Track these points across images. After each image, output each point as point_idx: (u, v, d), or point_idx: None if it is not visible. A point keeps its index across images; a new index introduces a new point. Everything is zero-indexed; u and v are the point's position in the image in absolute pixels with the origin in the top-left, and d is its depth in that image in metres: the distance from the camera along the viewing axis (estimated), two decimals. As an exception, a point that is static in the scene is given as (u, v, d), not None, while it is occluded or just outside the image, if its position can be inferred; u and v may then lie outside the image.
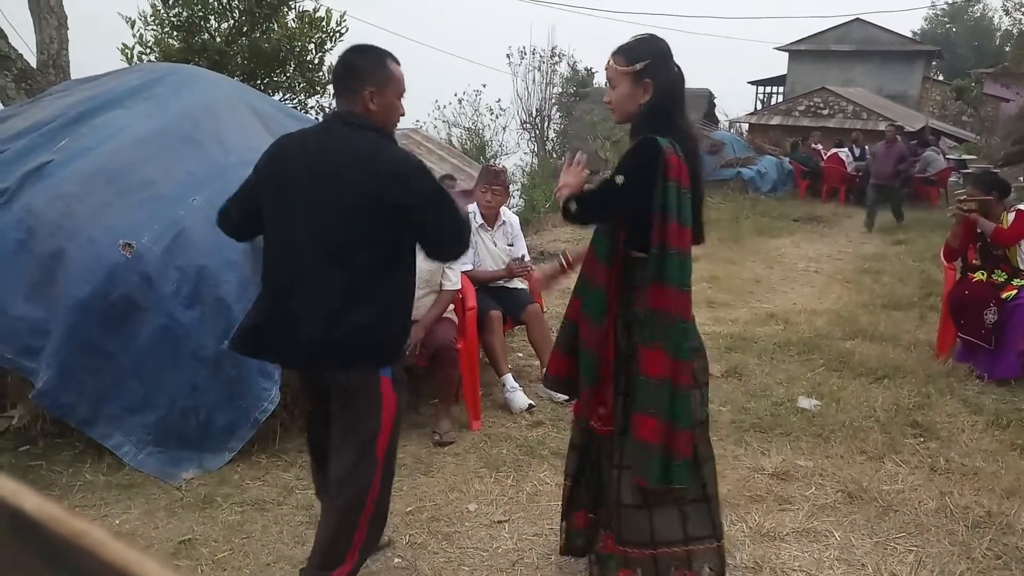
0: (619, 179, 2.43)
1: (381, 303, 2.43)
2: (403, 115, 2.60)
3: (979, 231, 5.15)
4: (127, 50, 9.71)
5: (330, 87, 10.75)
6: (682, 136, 2.47)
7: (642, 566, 2.50)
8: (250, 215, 2.60)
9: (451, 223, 2.52)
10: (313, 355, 2.48)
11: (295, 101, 10.72)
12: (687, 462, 2.41)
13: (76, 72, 8.14)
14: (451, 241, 2.56)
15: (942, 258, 5.65)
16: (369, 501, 2.53)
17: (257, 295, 2.72)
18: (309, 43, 10.53)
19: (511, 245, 4.92)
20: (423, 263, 4.09)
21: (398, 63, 2.56)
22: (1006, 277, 5.07)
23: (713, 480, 2.62)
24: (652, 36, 2.55)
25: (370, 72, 2.48)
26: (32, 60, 8.21)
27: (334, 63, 2.67)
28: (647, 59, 2.47)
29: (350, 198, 2.38)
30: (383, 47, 2.56)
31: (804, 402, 4.60)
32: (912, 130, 19.10)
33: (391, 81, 2.50)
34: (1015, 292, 4.95)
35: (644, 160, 2.40)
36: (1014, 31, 28.84)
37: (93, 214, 3.84)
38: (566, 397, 3.53)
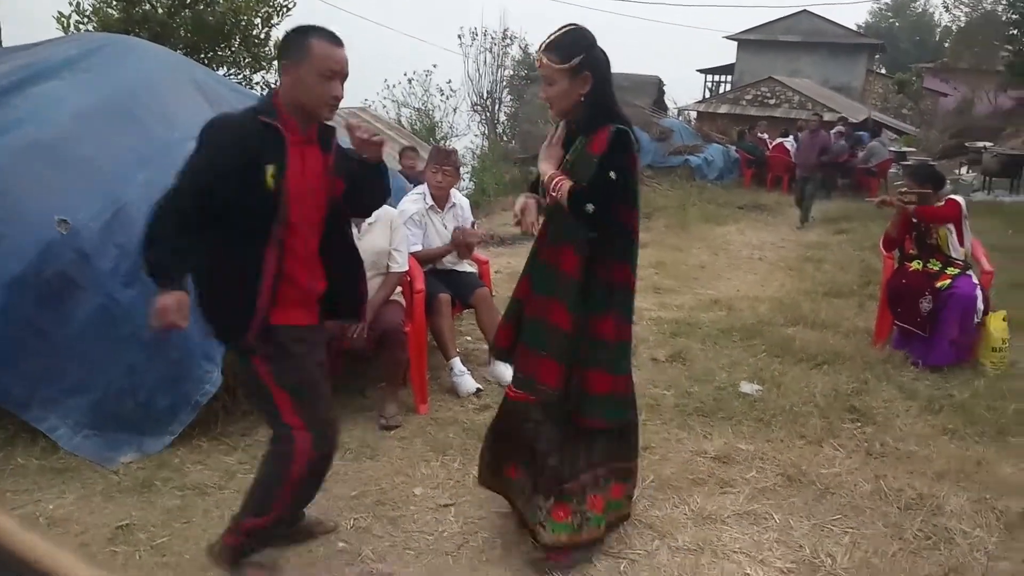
0: (612, 175, 2.52)
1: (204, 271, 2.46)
2: (333, 98, 2.48)
3: (914, 220, 5.29)
4: (63, 19, 9.38)
5: (275, 63, 10.56)
6: (624, 121, 2.59)
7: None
8: None
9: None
10: None
11: (240, 76, 10.49)
12: (627, 399, 2.89)
13: (8, 41, 7.83)
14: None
15: (881, 247, 5.79)
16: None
17: None
18: (255, 17, 10.32)
19: (457, 227, 4.88)
20: (369, 245, 4.09)
21: (331, 42, 2.45)
22: (940, 266, 5.21)
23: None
24: (577, 27, 2.61)
25: (288, 45, 2.45)
26: (-38, 27, 7.87)
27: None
28: (582, 53, 2.52)
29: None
30: (325, 26, 2.49)
31: (746, 387, 4.69)
32: (855, 121, 19.53)
33: (307, 55, 2.40)
34: (949, 281, 5.10)
35: (630, 154, 2.57)
36: (953, 27, 29.64)
37: (26, 190, 3.71)
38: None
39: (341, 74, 2.48)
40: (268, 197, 2.39)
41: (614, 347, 2.73)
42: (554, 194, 2.62)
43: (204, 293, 2.50)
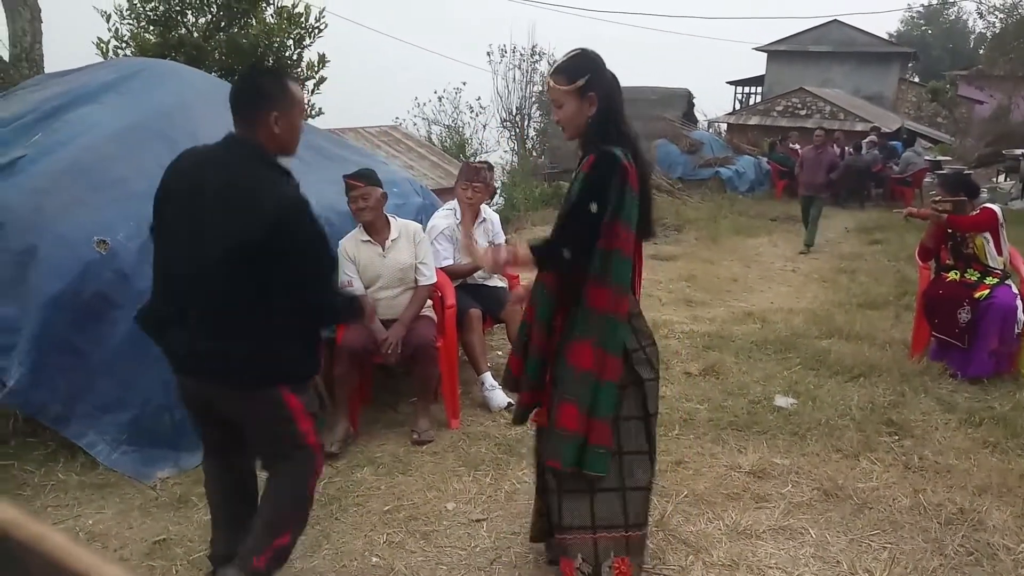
0: (593, 207, 2.46)
1: (260, 331, 2.45)
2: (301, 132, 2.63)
3: (949, 230, 5.21)
4: (102, 44, 9.58)
5: (308, 83, 10.71)
6: (629, 141, 2.57)
7: (582, 550, 2.60)
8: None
9: (314, 273, 2.51)
10: (203, 369, 2.53)
11: (273, 97, 10.63)
12: (606, 450, 2.51)
13: (50, 66, 8.05)
14: (312, 289, 2.52)
15: (917, 258, 5.71)
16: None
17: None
18: (288, 39, 10.44)
19: (491, 242, 4.91)
20: (394, 261, 4.12)
21: (297, 83, 2.60)
22: (978, 276, 5.13)
23: (637, 473, 2.66)
24: (584, 50, 2.63)
25: (275, 96, 2.48)
26: (4, 54, 8.10)
27: (237, 82, 2.64)
28: (587, 74, 2.54)
29: (231, 230, 2.37)
30: (283, 70, 2.55)
31: (781, 400, 4.64)
32: (888, 130, 19.30)
33: (293, 103, 2.51)
34: (988, 291, 5.01)
35: (608, 179, 2.47)
36: (988, 34, 29.21)
37: (66, 210, 3.79)
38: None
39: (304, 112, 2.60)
40: None
41: (587, 380, 2.48)
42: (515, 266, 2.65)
43: (279, 345, 2.49)
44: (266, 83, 2.53)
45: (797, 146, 17.97)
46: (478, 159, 17.16)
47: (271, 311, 2.43)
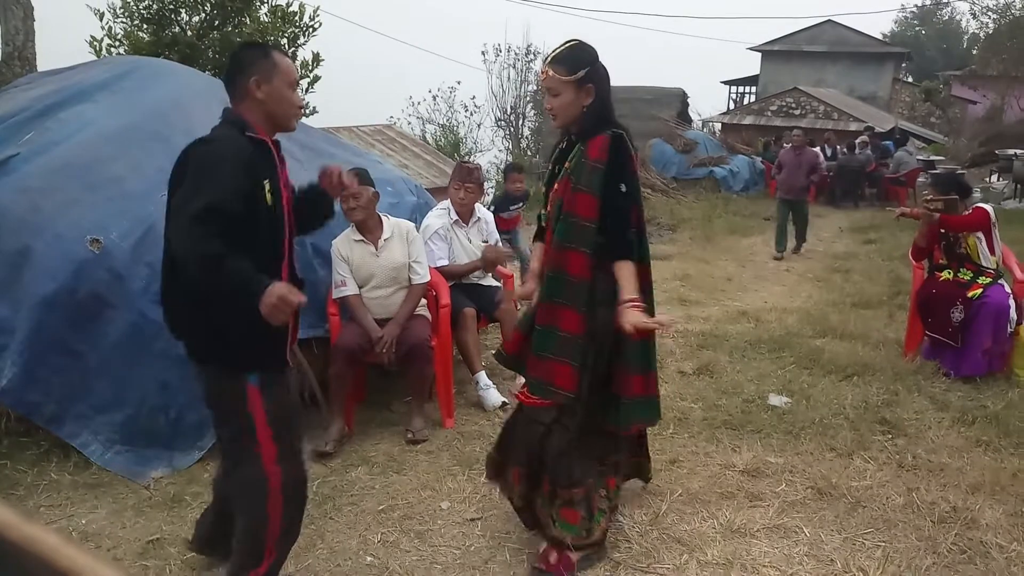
0: (623, 187, 2.67)
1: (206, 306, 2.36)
2: (301, 107, 2.63)
3: (941, 230, 5.23)
4: (95, 43, 9.56)
5: (303, 82, 10.70)
6: (623, 129, 2.72)
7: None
8: None
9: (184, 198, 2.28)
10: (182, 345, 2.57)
11: (267, 96, 10.62)
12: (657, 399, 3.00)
13: (43, 65, 8.01)
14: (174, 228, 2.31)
15: (910, 257, 5.72)
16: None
17: None
18: (282, 38, 10.44)
19: (486, 241, 4.91)
20: (388, 260, 4.12)
21: (285, 55, 2.60)
22: (971, 275, 5.14)
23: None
24: (581, 42, 2.73)
25: (252, 62, 2.47)
26: (-3, 52, 8.06)
27: (227, 60, 2.64)
28: (587, 66, 2.65)
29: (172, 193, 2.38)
30: (268, 44, 2.57)
31: (775, 399, 4.64)
32: (882, 130, 19.35)
33: (276, 69, 2.47)
34: (980, 291, 5.03)
35: (627, 162, 2.69)
36: (981, 34, 29.30)
37: (60, 210, 3.78)
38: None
39: (298, 83, 2.61)
40: (269, 214, 2.40)
41: (636, 345, 2.79)
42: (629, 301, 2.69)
43: (228, 321, 2.35)
44: (247, 53, 2.55)
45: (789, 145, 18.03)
46: (471, 159, 17.18)
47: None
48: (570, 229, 2.73)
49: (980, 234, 5.09)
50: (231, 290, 2.20)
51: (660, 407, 3.07)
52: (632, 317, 2.61)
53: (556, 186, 2.83)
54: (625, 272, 2.68)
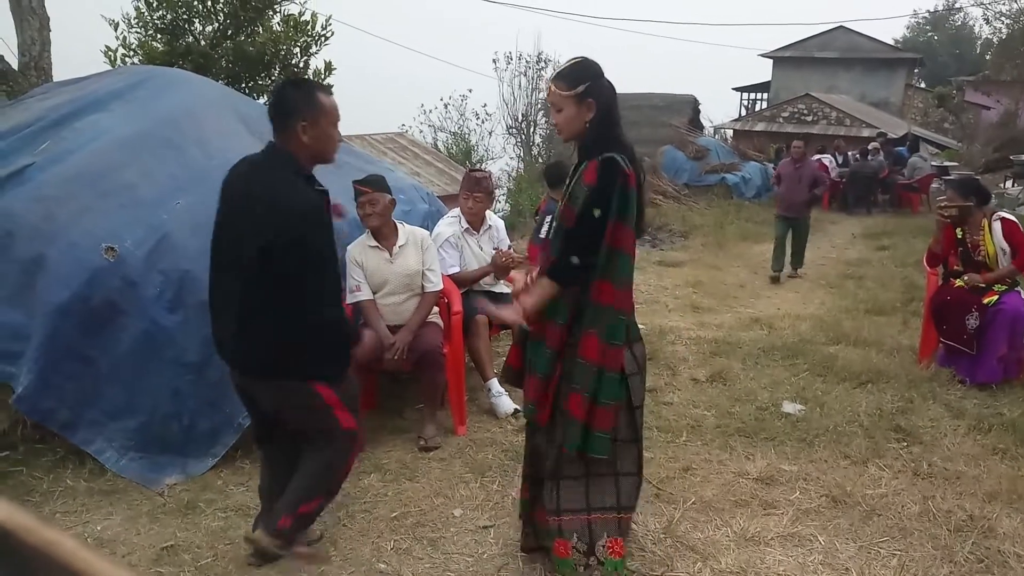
0: (596, 212, 2.61)
1: (277, 328, 2.63)
2: (340, 141, 2.81)
3: (958, 236, 5.18)
4: (110, 52, 9.64)
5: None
6: (624, 147, 2.70)
7: (577, 530, 2.75)
8: None
9: (314, 285, 2.66)
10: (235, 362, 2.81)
11: (280, 105, 10.68)
12: (605, 435, 2.66)
13: (58, 74, 8.07)
14: (311, 301, 2.67)
15: (925, 263, 5.68)
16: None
17: None
18: (294, 47, 10.49)
19: (497, 248, 4.91)
20: (402, 267, 4.13)
21: (329, 94, 2.72)
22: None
23: (627, 460, 2.80)
24: (585, 59, 2.76)
25: (298, 106, 2.62)
26: (13, 62, 8.13)
27: (270, 94, 2.82)
28: (587, 81, 2.67)
29: (249, 231, 2.58)
30: (314, 81, 2.70)
31: (788, 407, 4.62)
32: (895, 136, 19.27)
33: (321, 111, 2.63)
34: (996, 297, 4.99)
35: (612, 186, 2.61)
36: (994, 40, 29.16)
37: (74, 218, 3.81)
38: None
39: (339, 119, 2.76)
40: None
41: (591, 370, 2.62)
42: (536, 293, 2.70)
43: (309, 344, 2.66)
44: (293, 94, 2.67)
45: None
46: (482, 166, 17.19)
47: (287, 310, 2.60)
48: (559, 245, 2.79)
49: (1007, 245, 5.02)
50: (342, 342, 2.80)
51: (599, 443, 2.65)
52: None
53: (561, 205, 2.85)
54: (542, 284, 2.69)
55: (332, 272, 2.74)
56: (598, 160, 2.63)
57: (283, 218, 2.55)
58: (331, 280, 2.74)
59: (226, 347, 2.79)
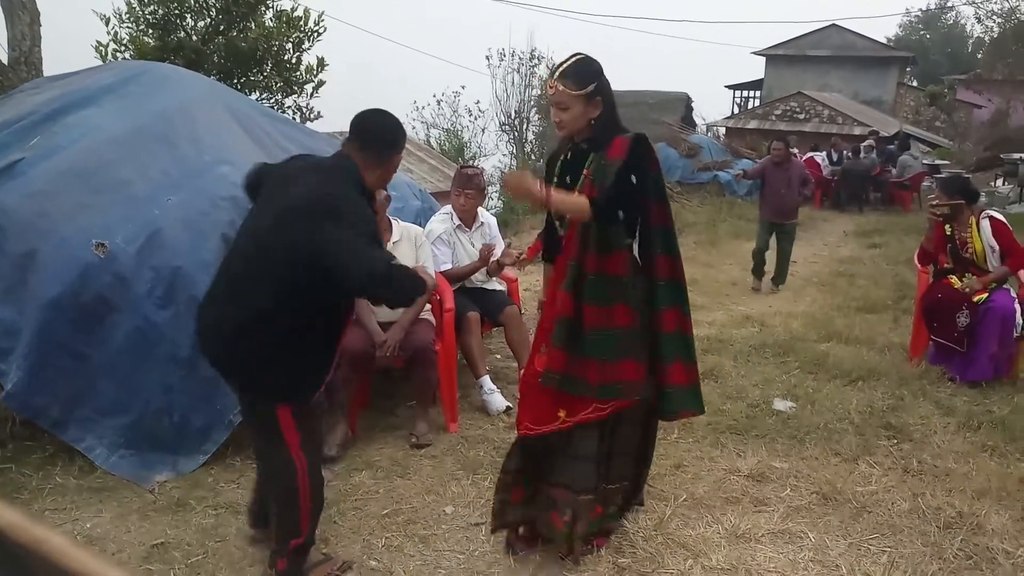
0: (633, 178, 2.75)
1: (273, 343, 2.58)
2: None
3: (948, 234, 5.20)
4: (101, 48, 9.61)
5: (307, 86, 10.72)
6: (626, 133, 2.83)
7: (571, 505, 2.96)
8: None
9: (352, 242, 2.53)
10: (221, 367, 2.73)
11: (272, 101, 10.66)
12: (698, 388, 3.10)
13: (49, 69, 8.04)
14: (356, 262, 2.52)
15: (916, 261, 5.71)
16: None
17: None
18: (287, 42, 10.48)
19: (485, 245, 4.90)
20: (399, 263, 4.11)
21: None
22: (975, 279, 5.11)
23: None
24: (587, 56, 2.81)
25: (400, 143, 2.78)
26: (3, 57, 8.10)
27: (367, 116, 2.77)
28: (595, 80, 2.73)
29: (276, 225, 2.54)
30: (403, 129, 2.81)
31: (779, 404, 4.63)
32: (887, 135, 19.33)
33: (399, 151, 2.79)
34: (986, 295, 5.01)
35: (646, 158, 2.80)
36: (986, 38, 29.27)
37: (66, 213, 3.79)
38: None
39: None
40: None
41: (682, 339, 2.98)
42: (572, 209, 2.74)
43: (285, 357, 2.60)
44: (401, 132, 2.80)
45: (795, 150, 18.01)
46: (475, 163, 17.18)
47: (290, 324, 2.55)
48: (608, 236, 2.80)
49: (995, 244, 5.04)
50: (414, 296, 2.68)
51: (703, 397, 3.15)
52: (529, 185, 2.65)
53: (576, 196, 2.81)
54: (574, 197, 2.73)
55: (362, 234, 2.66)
56: (629, 136, 2.75)
57: (316, 195, 2.54)
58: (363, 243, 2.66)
59: (209, 344, 2.74)
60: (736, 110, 31.32)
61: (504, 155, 24.00)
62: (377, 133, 2.72)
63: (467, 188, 4.73)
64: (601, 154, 2.77)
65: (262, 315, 2.53)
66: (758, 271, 8.50)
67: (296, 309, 2.54)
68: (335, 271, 2.41)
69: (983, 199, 11.32)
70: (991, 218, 5.10)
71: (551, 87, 2.76)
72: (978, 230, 5.10)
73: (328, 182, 2.56)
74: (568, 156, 2.92)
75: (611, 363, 2.80)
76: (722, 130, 25.21)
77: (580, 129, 2.79)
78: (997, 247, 5.04)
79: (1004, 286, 5.09)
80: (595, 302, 2.80)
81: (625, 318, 2.80)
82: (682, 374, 2.97)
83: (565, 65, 2.75)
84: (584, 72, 2.73)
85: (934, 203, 5.28)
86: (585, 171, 2.81)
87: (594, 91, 2.71)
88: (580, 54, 2.80)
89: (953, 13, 45.98)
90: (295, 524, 2.78)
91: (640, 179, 2.77)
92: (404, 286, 2.51)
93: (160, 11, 9.85)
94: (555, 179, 2.94)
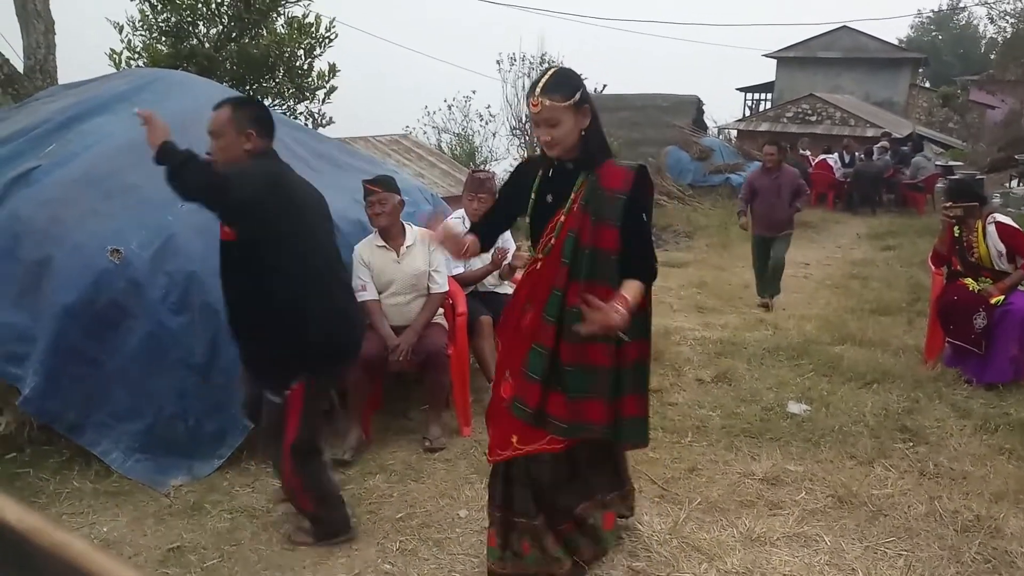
0: (644, 216, 2.72)
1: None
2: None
3: (955, 237, 5.16)
4: (115, 55, 9.66)
5: (319, 92, 10.75)
6: (612, 153, 2.82)
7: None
8: None
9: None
10: None
11: (284, 107, 10.70)
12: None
13: (63, 77, 8.11)
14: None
15: (930, 263, 5.67)
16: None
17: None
18: (299, 49, 10.50)
19: (497, 248, 4.89)
20: (409, 267, 4.13)
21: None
22: (992, 283, 5.07)
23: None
24: (565, 68, 2.79)
25: None
26: (19, 65, 8.17)
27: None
28: (580, 87, 2.63)
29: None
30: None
31: (794, 407, 4.61)
32: (900, 136, 19.23)
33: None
34: (1003, 297, 4.97)
35: (651, 192, 2.80)
36: (999, 39, 29.10)
37: (80, 220, 3.82)
38: None
39: None
40: None
41: (642, 368, 2.86)
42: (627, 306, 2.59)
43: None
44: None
45: (808, 152, 17.95)
46: (486, 167, 17.21)
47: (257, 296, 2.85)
48: (595, 263, 2.65)
49: (1002, 248, 4.99)
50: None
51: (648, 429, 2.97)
52: (607, 319, 2.50)
53: (561, 217, 2.69)
54: (634, 287, 2.63)
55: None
56: (632, 170, 2.68)
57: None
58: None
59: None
60: (747, 113, 31.22)
61: (515, 159, 23.99)
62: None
63: (480, 192, 4.74)
64: (594, 178, 2.65)
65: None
66: (762, 288, 7.83)
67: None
68: None
69: (997, 200, 11.25)
70: (997, 223, 5.05)
71: (535, 105, 2.57)
72: (984, 234, 5.06)
73: None
74: (550, 173, 2.76)
75: (582, 401, 2.68)
76: (733, 133, 25.12)
77: (572, 144, 2.62)
78: (1004, 251, 5.00)
79: (1021, 288, 5.04)
80: (575, 337, 2.61)
81: (602, 356, 2.66)
82: (635, 406, 2.81)
83: (545, 79, 2.59)
84: (569, 82, 2.60)
85: (948, 206, 5.25)
86: (573, 195, 2.67)
87: (581, 99, 2.58)
88: (558, 67, 2.73)
89: (965, 14, 45.77)
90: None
91: (648, 214, 2.73)
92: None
93: (173, 19, 9.91)
94: (533, 196, 2.77)
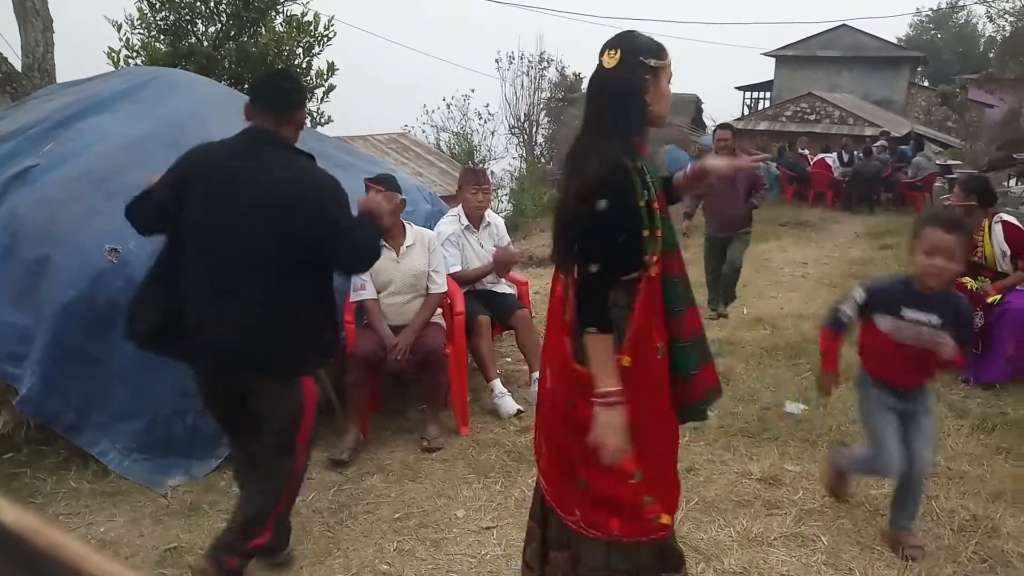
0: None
1: (294, 314, 2.66)
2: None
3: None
4: (113, 54, 9.67)
5: (318, 91, 10.75)
6: None
7: None
8: (165, 213, 2.80)
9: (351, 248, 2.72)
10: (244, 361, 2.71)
11: (283, 106, 10.70)
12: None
13: (62, 76, 8.10)
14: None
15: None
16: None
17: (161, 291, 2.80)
18: (297, 47, 10.52)
19: (497, 246, 4.90)
20: (408, 267, 4.13)
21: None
22: (991, 283, 5.07)
23: None
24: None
25: (303, 100, 2.93)
26: (17, 63, 8.17)
27: (261, 83, 3.10)
28: None
29: (275, 218, 2.59)
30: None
31: (791, 407, 4.61)
32: (898, 135, 19.24)
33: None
34: (1000, 296, 4.97)
35: None
36: (998, 37, 29.10)
37: (79, 219, 3.82)
38: None
39: None
40: None
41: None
42: None
43: (310, 330, 2.76)
44: (300, 88, 2.95)
45: (806, 151, 17.96)
46: (484, 166, 17.21)
47: (301, 297, 2.65)
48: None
49: (1007, 248, 4.98)
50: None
51: None
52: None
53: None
54: None
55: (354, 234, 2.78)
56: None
57: (314, 196, 2.65)
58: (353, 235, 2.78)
59: (226, 347, 2.64)
60: (746, 111, 31.23)
61: (514, 158, 24.05)
62: (278, 100, 2.79)
63: (483, 183, 4.75)
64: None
65: (283, 293, 2.63)
66: (716, 295, 7.15)
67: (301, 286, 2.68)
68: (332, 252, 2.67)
69: (1000, 200, 11.19)
70: (1004, 222, 5.03)
71: (666, 70, 2.41)
72: (989, 233, 5.05)
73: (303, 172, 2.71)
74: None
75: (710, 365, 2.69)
76: (732, 132, 25.12)
77: None
78: (1009, 251, 5.00)
79: (1019, 287, 5.04)
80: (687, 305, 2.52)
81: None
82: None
83: (639, 41, 2.34)
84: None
85: (949, 203, 5.23)
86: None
87: None
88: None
89: (964, 12, 45.76)
90: (264, 520, 2.72)
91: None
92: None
93: (171, 17, 9.92)
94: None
